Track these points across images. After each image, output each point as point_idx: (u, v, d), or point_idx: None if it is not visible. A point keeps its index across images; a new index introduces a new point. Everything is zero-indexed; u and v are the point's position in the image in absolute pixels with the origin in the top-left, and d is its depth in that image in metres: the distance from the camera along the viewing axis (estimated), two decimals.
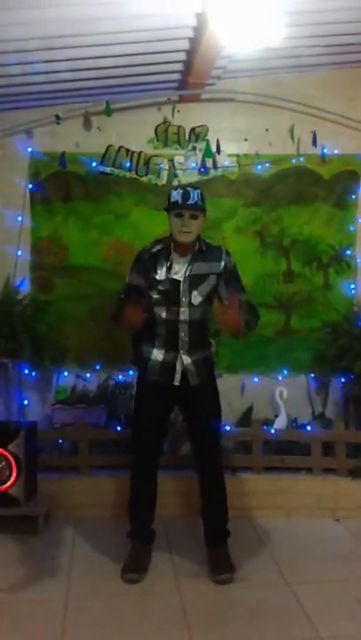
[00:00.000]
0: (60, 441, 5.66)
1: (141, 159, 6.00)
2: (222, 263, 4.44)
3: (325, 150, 6.11)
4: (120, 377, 6.03)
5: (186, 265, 4.40)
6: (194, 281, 4.37)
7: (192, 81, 5.51)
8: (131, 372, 6.01)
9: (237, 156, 6.12)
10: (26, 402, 5.92)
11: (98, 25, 4.35)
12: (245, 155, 6.12)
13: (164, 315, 4.39)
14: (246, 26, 4.39)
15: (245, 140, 6.11)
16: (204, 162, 6.05)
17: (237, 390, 6.04)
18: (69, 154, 5.92)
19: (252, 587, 4.26)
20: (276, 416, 5.79)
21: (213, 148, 5.95)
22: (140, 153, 5.99)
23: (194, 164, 6.07)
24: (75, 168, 5.98)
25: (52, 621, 3.83)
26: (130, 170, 6.01)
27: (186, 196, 4.32)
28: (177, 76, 5.60)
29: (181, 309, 4.35)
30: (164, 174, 6.06)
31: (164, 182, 6.06)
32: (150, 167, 6.02)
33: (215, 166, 6.06)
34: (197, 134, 6.03)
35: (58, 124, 5.79)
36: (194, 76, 5.41)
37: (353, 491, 5.35)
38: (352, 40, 5.38)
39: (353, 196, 6.20)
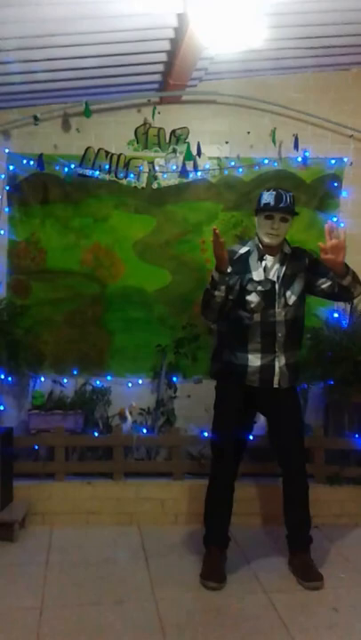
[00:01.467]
0: (37, 447, 5.67)
1: (121, 161, 6.03)
2: (307, 259, 4.56)
3: (307, 154, 6.16)
4: (97, 382, 6.04)
5: (278, 265, 4.47)
6: (287, 281, 4.45)
7: (173, 82, 5.52)
8: (109, 378, 6.05)
9: (218, 158, 6.16)
10: (1, 407, 5.91)
11: (77, 24, 4.36)
12: (226, 158, 6.16)
13: (262, 316, 4.42)
14: (228, 27, 4.41)
15: (227, 142, 6.15)
16: (184, 165, 6.08)
17: None
18: (47, 155, 5.93)
19: (229, 595, 4.29)
20: (254, 422, 5.81)
21: (194, 151, 5.99)
22: (119, 155, 6.02)
23: (174, 167, 6.10)
24: (53, 170, 5.99)
25: (27, 629, 3.84)
26: (109, 172, 6.04)
27: (278, 198, 4.38)
28: (157, 77, 5.62)
29: (277, 310, 4.41)
30: (144, 177, 6.08)
31: (144, 185, 6.10)
32: (130, 170, 6.05)
33: (196, 169, 6.09)
34: (178, 136, 6.06)
35: (36, 125, 5.80)
36: (175, 78, 5.43)
37: (331, 497, 5.40)
38: (335, 42, 5.42)
39: (335, 201, 6.26)
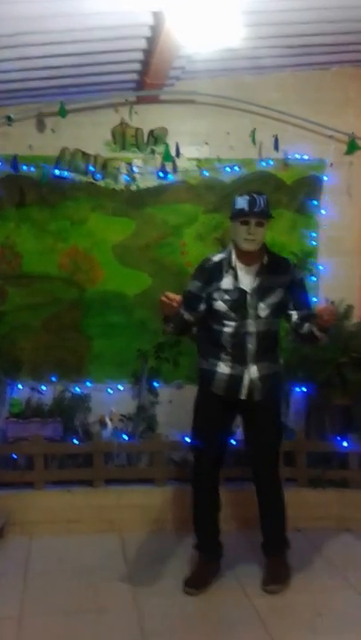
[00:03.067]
0: (15, 456, 5.67)
1: (98, 162, 6.04)
2: (290, 276, 4.51)
3: (288, 155, 6.21)
4: (77, 389, 6.05)
5: (253, 276, 4.45)
6: (261, 293, 4.43)
7: (150, 81, 5.55)
8: (88, 384, 6.06)
9: (198, 160, 6.19)
10: None
11: (50, 22, 4.36)
12: (206, 159, 6.19)
13: (230, 326, 4.44)
14: (204, 25, 4.45)
15: (206, 143, 6.18)
16: (163, 166, 6.11)
17: None
18: (22, 157, 5.94)
19: (211, 601, 4.32)
20: (237, 427, 5.84)
21: (173, 152, 6.02)
22: (96, 156, 6.04)
23: (153, 168, 6.14)
24: (28, 172, 6.00)
25: (6, 639, 3.83)
26: (86, 174, 6.05)
27: (253, 202, 4.38)
28: (134, 76, 5.63)
29: (248, 321, 4.41)
30: (122, 179, 6.11)
31: (122, 187, 6.12)
32: (107, 171, 6.07)
33: (175, 170, 6.12)
34: (156, 137, 6.08)
35: (9, 125, 5.81)
36: (151, 77, 5.46)
37: (314, 500, 5.45)
38: (314, 41, 5.45)
39: (316, 202, 6.31)
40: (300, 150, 6.24)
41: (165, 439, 5.74)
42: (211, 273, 4.49)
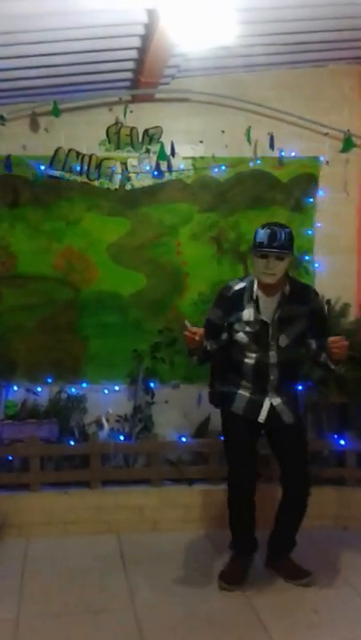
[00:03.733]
0: (10, 458, 5.67)
1: (93, 162, 6.06)
2: (310, 306, 4.52)
3: (283, 153, 6.24)
4: (73, 390, 6.07)
5: (275, 306, 4.46)
6: (282, 323, 4.45)
7: (144, 80, 5.57)
8: (84, 385, 6.08)
9: (193, 158, 6.21)
10: None
11: (44, 21, 4.37)
12: (201, 157, 6.22)
13: (252, 357, 4.49)
14: (199, 23, 4.47)
15: (201, 142, 6.21)
16: (158, 165, 6.13)
17: (194, 401, 6.07)
18: (16, 157, 5.95)
19: (208, 600, 4.34)
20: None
21: (168, 151, 6.05)
22: (91, 156, 6.05)
23: (148, 168, 6.15)
24: (22, 172, 6.00)
25: None
26: (80, 173, 6.07)
27: (273, 236, 4.35)
28: (129, 75, 5.65)
29: (270, 353, 4.43)
30: (117, 178, 6.13)
31: (117, 186, 6.14)
32: (102, 171, 6.08)
33: (170, 169, 6.15)
34: (151, 136, 6.11)
35: (3, 125, 5.82)
36: (146, 75, 5.48)
37: (311, 499, 5.41)
38: (309, 38, 5.47)
39: (311, 200, 6.34)
40: (296, 148, 6.27)
41: (162, 439, 5.76)
42: (232, 302, 4.52)
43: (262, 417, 4.52)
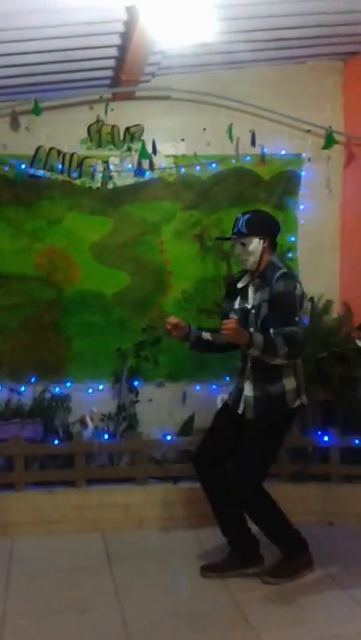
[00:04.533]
0: None
1: (74, 161, 6.07)
2: (270, 290, 4.41)
3: (265, 150, 6.26)
4: (57, 389, 6.08)
5: (253, 291, 4.53)
6: (259, 310, 4.45)
7: (125, 78, 5.59)
8: (68, 384, 6.09)
9: (175, 156, 6.24)
10: None
11: (23, 19, 4.38)
12: (183, 155, 6.24)
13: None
14: (179, 20, 4.48)
15: (183, 140, 6.23)
16: (140, 163, 6.15)
17: (178, 399, 6.13)
18: None
19: (193, 598, 4.37)
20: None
21: (149, 149, 6.06)
22: (72, 154, 6.06)
23: (129, 166, 6.17)
24: (2, 171, 6.01)
25: None
26: (62, 172, 6.07)
27: (234, 223, 4.52)
28: (109, 73, 5.67)
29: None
30: (99, 176, 6.14)
31: (99, 185, 6.15)
32: (84, 169, 6.09)
33: (152, 168, 6.16)
34: (132, 134, 6.12)
35: None
36: (126, 73, 5.49)
37: (296, 496, 5.49)
38: (290, 34, 5.49)
39: (294, 198, 6.37)
40: (278, 145, 6.29)
41: (146, 438, 5.77)
42: (229, 292, 4.68)
43: (240, 408, 4.55)
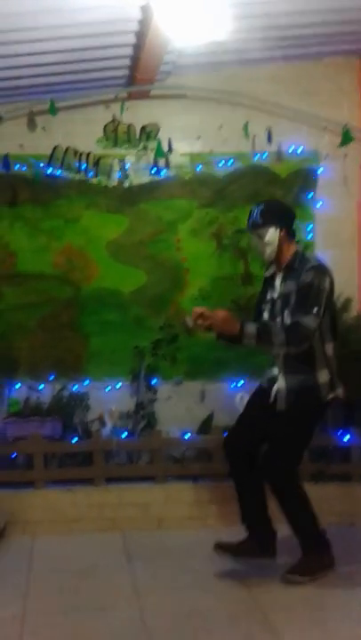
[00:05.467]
0: (14, 455, 5.68)
1: (90, 160, 6.07)
2: (298, 281, 4.38)
3: (282, 148, 6.23)
4: (75, 387, 6.07)
5: (280, 282, 4.51)
6: (284, 300, 4.43)
7: (140, 77, 5.59)
8: (86, 382, 6.10)
9: (191, 154, 6.22)
10: None
11: (39, 19, 4.38)
12: (199, 153, 6.22)
13: None
14: (193, 18, 4.48)
15: (198, 137, 6.21)
16: (155, 162, 6.14)
17: (197, 397, 6.13)
18: (14, 156, 5.98)
19: (214, 598, 4.31)
20: None
21: (165, 147, 6.06)
22: (88, 153, 6.07)
23: (145, 164, 6.16)
24: (20, 171, 6.03)
25: (10, 639, 3.85)
26: (78, 172, 6.08)
27: (248, 217, 4.51)
28: (124, 72, 5.66)
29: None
30: (115, 175, 6.14)
31: (115, 184, 6.15)
32: (100, 168, 6.09)
33: (167, 166, 6.14)
34: (148, 133, 6.11)
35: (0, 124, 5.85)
36: (141, 72, 5.49)
37: (316, 495, 5.40)
38: (305, 32, 5.47)
39: (311, 195, 6.33)
40: (294, 142, 6.26)
41: (165, 436, 5.75)
42: (263, 285, 4.67)
43: (272, 397, 4.53)
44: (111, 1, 4.34)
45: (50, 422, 5.76)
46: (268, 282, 4.61)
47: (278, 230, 4.46)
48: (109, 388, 6.14)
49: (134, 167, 6.16)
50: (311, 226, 6.32)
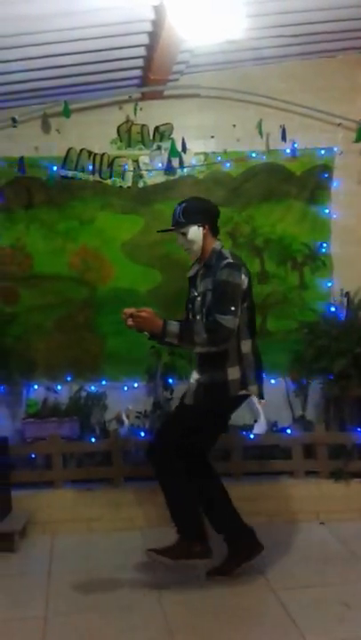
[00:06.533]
0: (33, 455, 5.71)
1: (105, 161, 6.09)
2: (214, 278, 4.38)
3: (296, 145, 6.21)
4: (92, 387, 6.09)
5: (199, 281, 4.52)
6: (203, 298, 4.44)
7: (153, 77, 5.59)
8: (103, 382, 6.12)
9: (204, 154, 6.22)
10: None
11: (52, 21, 4.41)
12: (213, 152, 6.22)
13: None
14: (206, 18, 4.47)
15: (212, 137, 6.22)
16: (169, 161, 6.14)
17: None
18: (28, 158, 6.00)
19: (237, 594, 4.31)
20: (255, 421, 5.87)
21: (179, 147, 6.05)
22: (102, 155, 6.08)
23: (160, 164, 6.16)
24: (35, 173, 6.06)
25: (32, 639, 3.87)
26: (93, 173, 6.10)
27: (172, 215, 4.53)
28: (138, 73, 5.67)
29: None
30: (129, 176, 6.15)
31: (130, 184, 6.16)
32: (114, 169, 6.11)
33: (181, 166, 6.15)
34: (162, 133, 6.12)
35: (14, 127, 5.87)
36: (155, 72, 5.50)
37: (336, 493, 5.43)
38: (318, 29, 5.48)
39: (326, 191, 6.32)
40: (309, 140, 6.25)
41: None
42: (188, 283, 4.66)
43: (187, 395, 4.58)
44: (124, 2, 4.36)
45: (68, 423, 5.78)
46: (192, 280, 4.61)
47: (201, 228, 4.48)
48: (126, 387, 6.15)
49: (148, 167, 6.16)
50: (327, 223, 6.31)
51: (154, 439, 4.68)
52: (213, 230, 4.53)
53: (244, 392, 4.46)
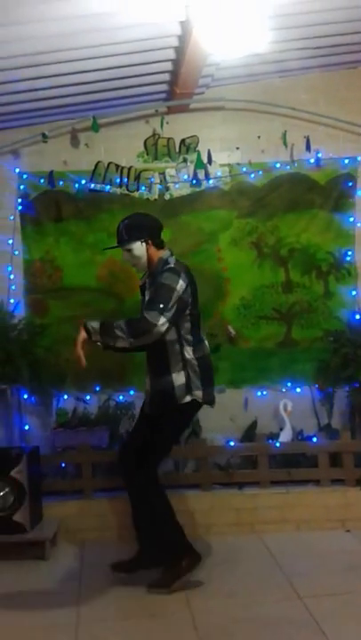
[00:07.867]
0: (63, 464, 5.76)
1: (132, 174, 6.11)
2: (155, 281, 4.51)
3: (320, 155, 6.21)
4: (120, 397, 6.10)
5: (147, 289, 4.59)
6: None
7: (179, 91, 5.62)
8: (131, 392, 6.12)
9: (229, 165, 6.23)
10: (27, 427, 6.02)
11: (80, 39, 4.46)
12: (238, 164, 6.23)
13: None
14: (231, 32, 4.48)
15: (237, 148, 6.23)
16: (195, 173, 6.15)
17: (240, 405, 6.13)
18: (58, 172, 6.05)
19: (264, 602, 4.31)
20: (281, 429, 5.86)
21: (205, 159, 6.06)
22: (130, 168, 6.11)
23: (185, 177, 6.18)
24: (64, 187, 6.11)
25: None
26: (120, 186, 6.13)
27: (116, 232, 4.68)
28: (164, 87, 5.72)
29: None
30: (156, 188, 6.17)
31: (156, 197, 6.19)
32: (141, 182, 6.13)
33: (207, 177, 6.16)
34: (188, 145, 6.14)
35: (44, 142, 5.91)
36: (181, 86, 5.53)
37: None
38: (341, 41, 5.49)
39: (350, 201, 6.30)
40: (333, 149, 6.24)
41: (210, 444, 5.75)
42: (140, 294, 4.76)
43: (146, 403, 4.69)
44: (151, 18, 4.38)
45: (97, 432, 5.80)
46: (142, 289, 4.70)
47: (144, 243, 4.55)
48: None
49: (174, 180, 6.19)
50: (352, 232, 6.29)
51: (119, 451, 4.84)
52: (156, 243, 4.62)
53: (189, 398, 4.51)
